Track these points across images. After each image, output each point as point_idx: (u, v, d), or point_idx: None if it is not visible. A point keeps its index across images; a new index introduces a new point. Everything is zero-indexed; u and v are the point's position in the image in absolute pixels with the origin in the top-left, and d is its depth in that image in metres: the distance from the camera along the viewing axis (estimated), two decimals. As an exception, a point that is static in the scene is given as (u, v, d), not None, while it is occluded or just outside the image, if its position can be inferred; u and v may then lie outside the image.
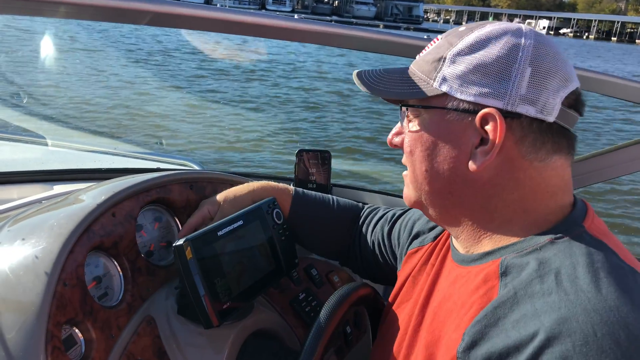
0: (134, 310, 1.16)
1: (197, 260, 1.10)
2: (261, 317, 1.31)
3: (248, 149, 7.82)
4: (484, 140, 0.89)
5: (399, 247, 1.35)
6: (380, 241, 1.41)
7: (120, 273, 1.19)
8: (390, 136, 1.05)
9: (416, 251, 1.22)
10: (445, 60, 0.92)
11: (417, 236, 1.27)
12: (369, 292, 1.26)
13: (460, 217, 0.98)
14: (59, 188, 1.59)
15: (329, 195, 1.54)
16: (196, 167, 2.19)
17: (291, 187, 1.47)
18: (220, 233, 1.18)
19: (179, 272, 1.11)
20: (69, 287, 1.01)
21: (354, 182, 6.16)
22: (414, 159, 0.98)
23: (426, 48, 1.00)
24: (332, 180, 1.79)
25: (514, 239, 0.91)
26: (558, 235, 0.86)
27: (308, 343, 1.04)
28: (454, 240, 1.06)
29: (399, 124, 1.04)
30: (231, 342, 1.19)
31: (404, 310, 1.14)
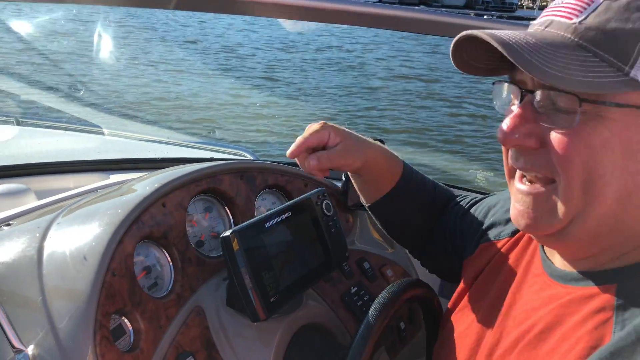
0: (183, 301, 1.16)
1: (244, 252, 1.08)
2: (311, 311, 1.29)
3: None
4: None
5: (470, 235, 1.19)
6: (455, 227, 1.26)
7: (170, 263, 1.19)
8: (508, 129, 0.77)
9: (491, 245, 1.09)
10: None
11: (491, 226, 1.12)
12: (423, 290, 1.21)
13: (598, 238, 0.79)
14: (115, 177, 1.62)
15: (427, 177, 1.38)
16: (250, 157, 2.19)
17: (400, 160, 1.32)
18: (268, 225, 1.16)
19: (226, 264, 1.10)
20: (117, 277, 1.01)
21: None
22: (583, 172, 0.73)
23: (578, 7, 0.72)
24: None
25: (635, 258, 0.76)
26: None
27: (356, 342, 1.01)
28: (546, 247, 0.92)
29: (515, 112, 0.77)
30: (280, 336, 1.17)
31: (476, 312, 1.02)
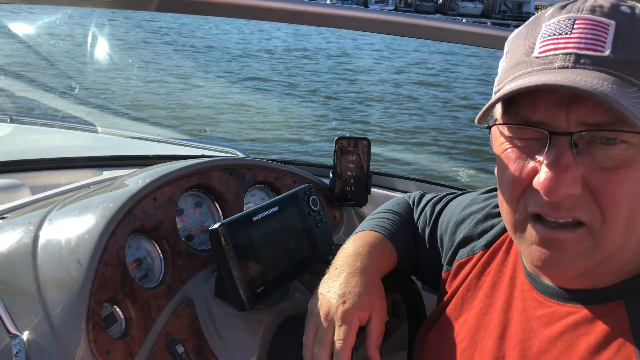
0: (173, 291, 1.20)
1: (232, 244, 1.13)
2: (297, 302, 1.33)
3: (290, 137, 7.90)
4: None
5: (442, 252, 1.18)
6: (426, 251, 1.24)
7: (161, 256, 1.23)
8: (555, 180, 0.70)
9: (467, 260, 1.07)
10: None
11: (464, 242, 1.10)
12: (404, 281, 1.25)
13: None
14: (108, 173, 1.66)
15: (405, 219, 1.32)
16: (241, 155, 2.23)
17: (390, 244, 1.23)
18: (255, 218, 1.20)
19: (214, 256, 1.14)
20: (110, 268, 1.06)
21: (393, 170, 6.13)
22: (618, 213, 0.71)
23: (599, 38, 0.70)
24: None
25: (634, 271, 0.77)
26: None
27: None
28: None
29: (552, 159, 0.71)
30: (266, 325, 1.22)
31: (458, 328, 1.00)
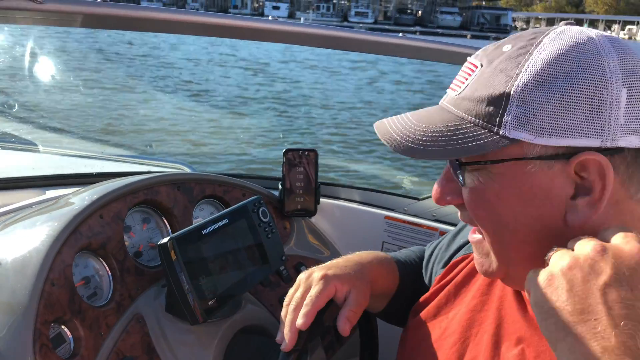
0: (123, 309, 1.19)
1: (182, 258, 1.13)
2: (249, 314, 1.34)
3: (238, 150, 7.90)
4: (580, 188, 0.73)
5: (440, 263, 1.18)
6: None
7: (109, 273, 1.22)
8: (437, 193, 0.85)
9: (462, 259, 1.08)
10: (510, 98, 0.72)
11: (461, 247, 1.13)
12: None
13: None
14: (51, 193, 1.62)
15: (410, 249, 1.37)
16: (188, 170, 2.22)
17: (389, 256, 1.27)
18: (205, 232, 1.21)
19: (164, 270, 1.14)
20: (57, 287, 1.04)
21: (340, 179, 6.22)
22: (491, 223, 0.79)
23: (462, 79, 0.80)
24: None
25: None
26: None
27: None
28: None
29: (441, 175, 0.86)
30: (219, 338, 1.22)
31: (446, 324, 1.00)
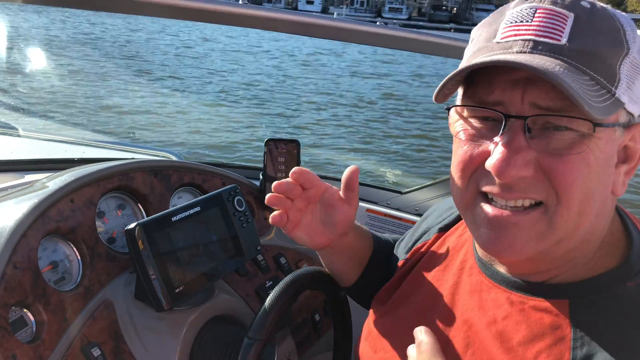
0: (91, 294, 1.18)
1: (149, 244, 1.12)
2: (222, 303, 1.33)
3: (224, 139, 7.89)
4: (620, 156, 0.76)
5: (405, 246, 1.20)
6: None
7: (79, 258, 1.21)
8: (508, 163, 0.72)
9: (422, 246, 1.10)
10: (628, 56, 0.72)
11: (425, 232, 1.15)
12: (322, 275, 1.25)
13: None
14: (30, 177, 1.61)
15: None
16: (174, 158, 2.20)
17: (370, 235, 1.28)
18: (175, 218, 1.20)
19: (131, 256, 1.13)
20: (19, 270, 1.03)
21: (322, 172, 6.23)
22: (581, 192, 0.72)
23: (555, 28, 0.73)
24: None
25: (582, 274, 0.79)
26: (639, 275, 0.75)
27: (252, 327, 1.06)
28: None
29: (505, 141, 0.73)
30: (188, 326, 1.21)
31: (408, 308, 1.02)
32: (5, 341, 0.95)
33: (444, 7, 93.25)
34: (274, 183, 1.05)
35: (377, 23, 1.61)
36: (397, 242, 1.27)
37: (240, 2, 1.43)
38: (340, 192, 1.07)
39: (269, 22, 1.50)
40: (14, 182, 1.53)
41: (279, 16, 1.55)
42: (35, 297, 1.05)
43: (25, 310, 1.05)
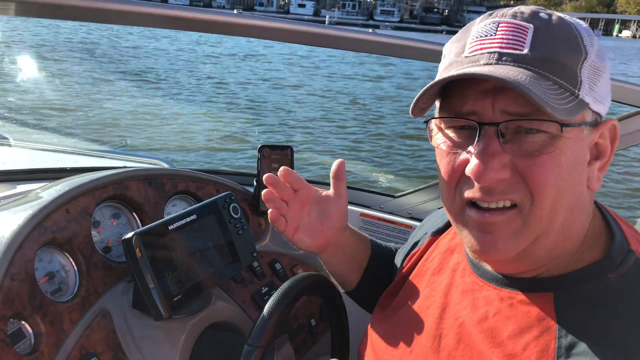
0: (88, 304, 1.17)
1: (147, 253, 1.12)
2: (219, 311, 1.33)
3: (217, 147, 7.88)
4: (592, 153, 0.82)
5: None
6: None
7: (75, 269, 1.20)
8: (485, 168, 0.77)
9: (417, 250, 1.15)
10: (587, 60, 0.77)
11: (421, 239, 1.19)
12: (320, 280, 1.26)
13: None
14: (22, 187, 1.60)
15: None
16: (165, 166, 2.20)
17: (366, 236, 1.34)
18: (171, 227, 1.20)
19: (129, 265, 1.13)
20: (17, 282, 1.03)
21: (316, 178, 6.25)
22: (553, 190, 0.77)
23: (516, 38, 0.78)
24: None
25: (566, 268, 0.83)
26: (620, 267, 0.79)
27: (252, 334, 1.06)
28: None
29: (481, 148, 0.78)
30: (186, 335, 1.21)
31: (407, 313, 1.04)
32: (4, 354, 0.95)
33: (435, 10, 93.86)
34: (265, 175, 1.12)
35: (371, 30, 1.60)
36: (399, 250, 1.30)
37: (235, 11, 1.43)
38: (330, 184, 1.16)
39: (263, 31, 1.50)
40: (7, 193, 1.52)
41: (273, 25, 1.55)
42: (33, 309, 1.05)
43: (23, 322, 1.04)
